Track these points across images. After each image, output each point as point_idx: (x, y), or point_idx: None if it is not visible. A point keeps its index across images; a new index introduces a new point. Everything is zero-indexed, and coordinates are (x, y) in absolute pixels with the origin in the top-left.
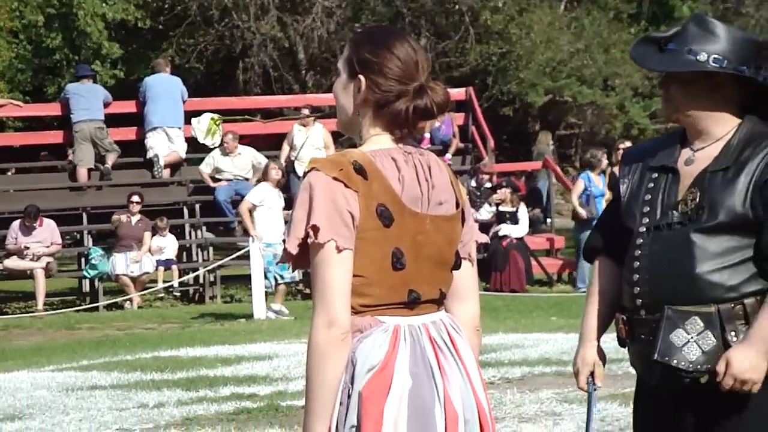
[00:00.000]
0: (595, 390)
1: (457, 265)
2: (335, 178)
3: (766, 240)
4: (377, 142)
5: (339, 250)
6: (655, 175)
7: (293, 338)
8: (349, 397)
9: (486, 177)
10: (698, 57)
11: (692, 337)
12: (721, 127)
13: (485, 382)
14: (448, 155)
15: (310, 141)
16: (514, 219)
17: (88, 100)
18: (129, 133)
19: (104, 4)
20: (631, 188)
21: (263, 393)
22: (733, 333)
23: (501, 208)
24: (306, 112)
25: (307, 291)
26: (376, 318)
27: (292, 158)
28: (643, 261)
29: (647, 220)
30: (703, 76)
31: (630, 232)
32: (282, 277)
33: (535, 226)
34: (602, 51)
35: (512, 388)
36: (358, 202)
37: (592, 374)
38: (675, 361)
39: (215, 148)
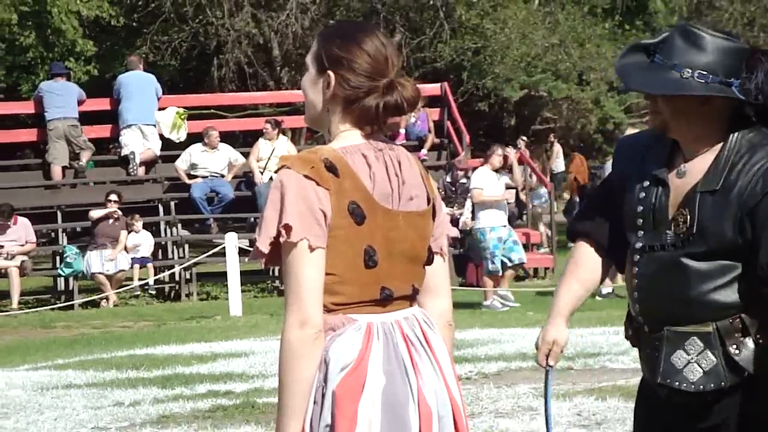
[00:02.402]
0: (550, 368)
1: (429, 261)
2: (306, 176)
3: (758, 262)
4: (347, 138)
5: (311, 249)
6: (647, 184)
7: (269, 335)
8: (322, 396)
9: (461, 173)
10: (683, 73)
11: (692, 358)
12: (711, 139)
13: (459, 378)
14: (424, 151)
15: (276, 153)
16: None
17: (63, 97)
18: (103, 131)
19: (78, 2)
20: (624, 187)
21: (239, 390)
22: (734, 346)
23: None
24: (268, 127)
25: (283, 287)
26: (348, 316)
27: (260, 170)
28: (640, 281)
29: (641, 233)
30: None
31: (627, 244)
32: (510, 260)
33: (510, 221)
34: (577, 45)
35: (489, 383)
36: (330, 200)
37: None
38: (677, 384)
39: (180, 142)
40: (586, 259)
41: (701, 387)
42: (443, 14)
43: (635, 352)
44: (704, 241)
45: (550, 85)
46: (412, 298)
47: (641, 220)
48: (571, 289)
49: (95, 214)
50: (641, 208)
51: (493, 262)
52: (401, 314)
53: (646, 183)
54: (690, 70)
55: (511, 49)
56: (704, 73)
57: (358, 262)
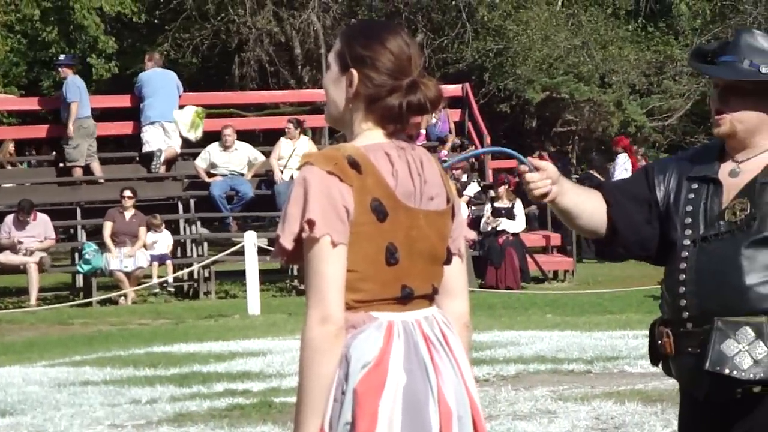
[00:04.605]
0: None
1: (448, 260)
2: (330, 172)
3: None
4: (369, 137)
5: (334, 245)
6: (695, 185)
7: (287, 335)
8: (343, 393)
9: (458, 172)
10: (761, 69)
11: (743, 347)
12: None
13: (476, 380)
14: (444, 151)
15: (297, 152)
16: (510, 215)
17: (84, 94)
18: (124, 128)
19: None
20: (669, 197)
21: (256, 389)
22: None
23: (497, 204)
24: (290, 126)
25: (302, 287)
26: (369, 314)
27: (280, 168)
28: (689, 274)
29: (690, 231)
30: (763, 88)
31: (672, 244)
32: None
33: (531, 223)
34: (599, 48)
35: (507, 385)
36: (353, 196)
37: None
38: (727, 370)
39: (196, 141)
40: (599, 200)
41: (751, 376)
42: (465, 15)
43: None
44: (764, 226)
45: (572, 88)
46: (431, 297)
47: (690, 219)
48: (593, 194)
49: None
50: (690, 207)
51: None
52: (421, 313)
53: (695, 185)
54: (766, 66)
55: (533, 51)
56: None
57: (379, 259)
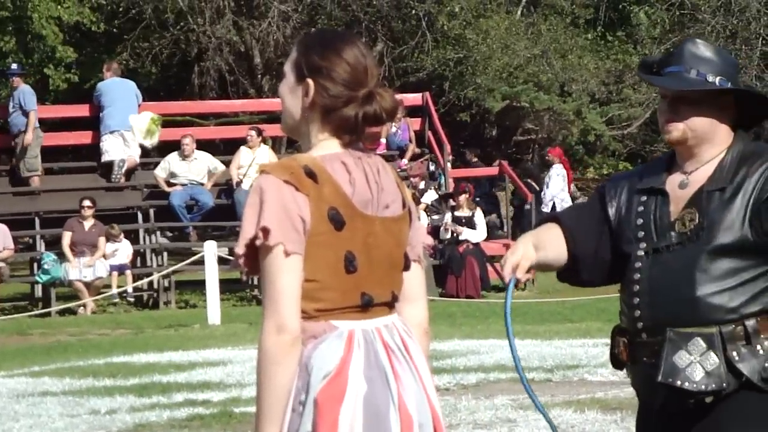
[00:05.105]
0: (512, 280)
1: (406, 267)
2: (286, 182)
3: None
4: (326, 147)
5: (287, 254)
6: (644, 197)
7: (247, 344)
8: (301, 403)
9: (416, 179)
10: (707, 77)
11: (695, 358)
12: (716, 148)
13: (436, 388)
14: (405, 160)
15: (257, 161)
16: (470, 224)
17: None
18: (83, 137)
19: (59, 7)
20: (620, 211)
21: (217, 399)
22: (735, 353)
23: (457, 213)
24: (253, 134)
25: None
26: (330, 323)
27: (240, 177)
28: (643, 285)
29: (644, 244)
30: (712, 97)
31: (626, 256)
32: None
33: (491, 232)
34: (559, 57)
35: (467, 394)
36: (309, 206)
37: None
38: (679, 382)
39: (158, 149)
40: (556, 233)
41: (703, 387)
42: (425, 24)
43: None
44: (713, 235)
45: (531, 96)
46: (391, 305)
47: (642, 232)
48: (549, 231)
49: None
50: (641, 220)
51: None
52: (381, 321)
53: (644, 197)
54: (713, 75)
55: (493, 60)
56: (724, 79)
57: (338, 267)
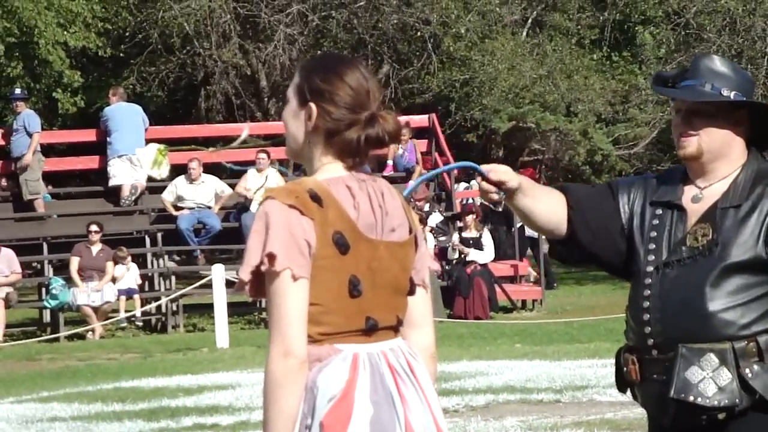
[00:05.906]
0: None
1: (411, 291)
2: (291, 206)
3: None
4: (330, 171)
5: (295, 279)
6: (659, 211)
7: (256, 367)
8: (307, 428)
9: (420, 203)
10: (722, 92)
11: (708, 374)
12: (731, 165)
13: (445, 410)
14: (412, 182)
15: (267, 184)
16: (478, 245)
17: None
18: (90, 162)
19: (65, 32)
20: (633, 221)
21: (225, 423)
22: (747, 370)
23: (464, 234)
24: (264, 157)
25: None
26: (334, 346)
27: (250, 196)
28: (653, 301)
29: (653, 257)
30: (726, 112)
31: (636, 270)
32: None
33: (498, 252)
34: (565, 77)
35: (476, 416)
36: (315, 230)
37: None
38: (692, 398)
39: (160, 178)
40: (557, 199)
41: (716, 402)
42: (431, 46)
43: None
44: (726, 252)
45: (538, 117)
46: (396, 329)
47: (653, 245)
48: (549, 193)
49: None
50: (654, 233)
51: None
52: (387, 345)
53: (659, 210)
54: (728, 90)
55: (499, 81)
56: (739, 93)
57: (343, 291)
